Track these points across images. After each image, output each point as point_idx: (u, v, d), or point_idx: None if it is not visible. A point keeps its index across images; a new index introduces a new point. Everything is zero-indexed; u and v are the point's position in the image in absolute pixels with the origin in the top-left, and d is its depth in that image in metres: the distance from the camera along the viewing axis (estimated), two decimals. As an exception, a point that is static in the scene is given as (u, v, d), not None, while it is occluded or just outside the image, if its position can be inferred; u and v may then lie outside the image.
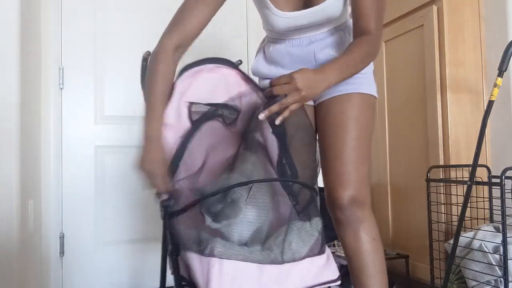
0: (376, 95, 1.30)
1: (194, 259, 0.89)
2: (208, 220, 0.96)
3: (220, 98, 1.12)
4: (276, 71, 1.31)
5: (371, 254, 1.20)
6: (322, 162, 1.24)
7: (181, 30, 1.13)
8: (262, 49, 1.38)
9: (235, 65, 1.19)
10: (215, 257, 0.87)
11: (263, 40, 1.41)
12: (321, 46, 1.25)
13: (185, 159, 1.09)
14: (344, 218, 1.21)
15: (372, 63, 1.31)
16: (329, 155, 1.23)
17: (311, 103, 1.34)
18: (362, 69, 1.13)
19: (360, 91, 1.24)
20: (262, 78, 1.37)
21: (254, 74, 1.39)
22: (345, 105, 1.23)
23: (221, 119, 1.15)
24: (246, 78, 1.17)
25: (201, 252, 0.89)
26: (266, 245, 0.93)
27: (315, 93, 1.02)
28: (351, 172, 1.20)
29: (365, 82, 1.25)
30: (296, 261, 0.91)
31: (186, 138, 1.04)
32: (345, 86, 1.22)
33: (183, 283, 0.94)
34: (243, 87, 1.15)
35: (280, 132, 1.11)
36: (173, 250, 0.96)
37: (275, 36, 1.30)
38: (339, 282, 0.96)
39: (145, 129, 1.07)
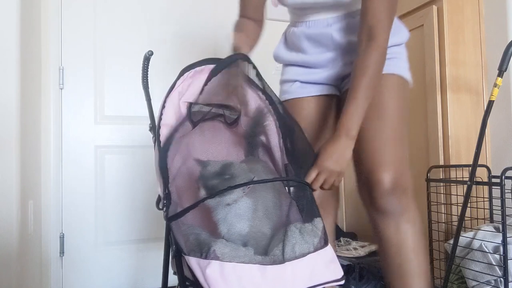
0: (409, 79, 1.23)
1: (194, 263, 0.89)
2: (202, 193, 0.95)
3: (220, 98, 1.12)
4: (296, 57, 1.29)
5: (416, 250, 1.08)
6: (356, 147, 1.14)
7: (245, 9, 1.30)
8: (284, 34, 1.37)
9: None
10: (215, 260, 0.87)
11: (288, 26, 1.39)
12: (338, 28, 1.22)
13: (185, 157, 1.09)
14: (385, 205, 1.09)
15: (405, 48, 1.26)
16: (366, 135, 1.14)
17: (334, 91, 1.29)
18: (377, 81, 1.09)
19: (393, 72, 1.19)
20: (283, 63, 1.36)
21: (275, 59, 1.39)
22: (382, 87, 1.16)
23: (223, 119, 1.15)
24: (247, 79, 1.17)
25: (201, 256, 0.89)
26: (270, 247, 0.93)
27: (345, 159, 1.03)
28: (391, 151, 1.11)
29: (398, 64, 1.21)
30: (298, 258, 0.90)
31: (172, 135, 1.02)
32: None
33: (187, 283, 0.94)
34: (244, 88, 1.15)
35: (285, 130, 1.11)
36: (177, 250, 0.96)
37: (294, 18, 1.30)
38: (343, 282, 0.95)
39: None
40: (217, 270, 0.85)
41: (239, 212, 0.94)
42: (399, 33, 1.23)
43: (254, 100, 1.12)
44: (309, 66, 1.29)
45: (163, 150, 0.98)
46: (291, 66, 1.32)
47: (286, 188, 1.12)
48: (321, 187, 1.05)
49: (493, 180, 1.86)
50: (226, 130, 1.18)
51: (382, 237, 1.12)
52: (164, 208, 0.99)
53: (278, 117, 1.12)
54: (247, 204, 0.95)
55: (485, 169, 1.92)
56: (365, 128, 1.12)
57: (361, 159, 1.15)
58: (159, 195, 1.03)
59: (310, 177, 1.04)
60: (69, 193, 2.21)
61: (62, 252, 2.18)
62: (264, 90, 1.13)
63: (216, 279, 0.84)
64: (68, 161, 2.22)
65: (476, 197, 1.91)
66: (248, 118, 1.13)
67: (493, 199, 1.88)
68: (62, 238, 2.19)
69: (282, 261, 0.89)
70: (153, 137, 1.17)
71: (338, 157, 1.02)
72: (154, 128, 1.16)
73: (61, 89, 2.23)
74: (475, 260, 1.62)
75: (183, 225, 0.95)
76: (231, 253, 0.87)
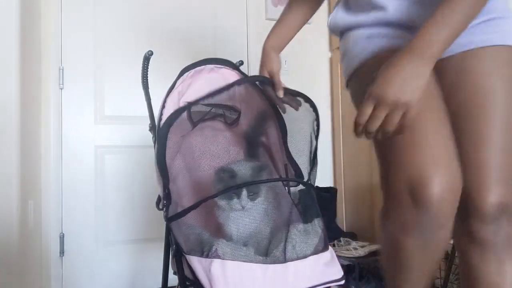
0: None
1: (196, 262, 0.89)
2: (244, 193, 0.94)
3: (219, 98, 1.12)
4: (367, 17, 0.92)
5: None
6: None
7: None
8: None
9: (235, 66, 1.20)
10: (217, 258, 0.87)
11: None
12: None
13: (185, 157, 1.09)
14: (486, 235, 0.84)
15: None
16: (466, 141, 0.86)
17: None
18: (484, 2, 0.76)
19: (503, 43, 0.86)
20: (342, 30, 1.00)
21: (331, 29, 1.06)
22: (488, 67, 0.86)
23: (223, 119, 1.15)
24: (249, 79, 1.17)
25: (202, 254, 0.89)
26: (270, 247, 0.93)
27: (416, 87, 0.72)
28: (501, 167, 0.84)
29: (508, 28, 0.88)
30: (300, 259, 0.91)
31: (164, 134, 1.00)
32: (482, 36, 0.86)
33: (187, 283, 0.94)
34: (243, 88, 1.15)
35: (282, 128, 1.11)
36: (177, 250, 0.96)
37: None
38: (343, 282, 0.96)
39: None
40: (219, 268, 0.85)
41: (254, 213, 0.94)
42: None
43: (255, 100, 1.12)
44: (388, 25, 0.90)
45: (160, 140, 0.97)
46: (355, 31, 0.95)
47: (286, 188, 1.12)
48: (382, 130, 0.75)
49: (493, 180, 1.86)
50: (226, 130, 1.19)
51: (475, 276, 0.86)
52: (164, 209, 0.99)
53: (278, 117, 1.12)
54: (263, 205, 0.95)
55: (485, 169, 1.91)
56: (466, 129, 0.86)
57: None
58: (159, 195, 1.04)
59: (365, 114, 0.75)
60: (69, 193, 2.21)
61: (62, 252, 2.18)
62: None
63: (217, 277, 0.84)
64: (68, 161, 2.22)
65: (476, 197, 1.90)
66: (249, 118, 1.14)
67: (493, 199, 1.87)
68: (62, 237, 2.19)
69: (284, 260, 0.89)
70: (153, 137, 1.18)
71: (404, 82, 0.72)
72: (154, 128, 1.16)
73: (61, 89, 2.23)
74: (475, 260, 1.61)
75: (184, 225, 0.95)
76: (233, 252, 0.88)
